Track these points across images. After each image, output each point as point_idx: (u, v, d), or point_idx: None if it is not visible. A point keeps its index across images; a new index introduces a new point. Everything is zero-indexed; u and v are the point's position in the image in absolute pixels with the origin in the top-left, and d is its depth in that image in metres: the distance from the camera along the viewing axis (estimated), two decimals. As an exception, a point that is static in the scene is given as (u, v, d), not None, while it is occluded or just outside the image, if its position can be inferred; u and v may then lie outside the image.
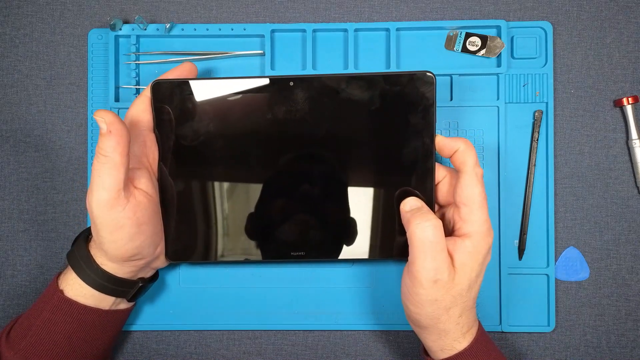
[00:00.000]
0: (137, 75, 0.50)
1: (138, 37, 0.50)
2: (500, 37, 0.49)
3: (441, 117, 0.49)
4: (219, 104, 0.43)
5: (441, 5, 0.51)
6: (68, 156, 0.51)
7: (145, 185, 0.42)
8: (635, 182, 0.50)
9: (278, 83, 0.43)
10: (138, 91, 0.50)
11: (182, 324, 0.50)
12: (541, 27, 0.50)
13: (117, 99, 0.50)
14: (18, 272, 0.51)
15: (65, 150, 0.51)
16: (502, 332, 0.50)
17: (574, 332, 0.50)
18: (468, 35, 0.49)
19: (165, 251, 0.45)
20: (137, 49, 0.50)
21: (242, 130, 0.44)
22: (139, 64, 0.50)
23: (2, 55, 0.51)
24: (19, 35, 0.51)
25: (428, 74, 0.42)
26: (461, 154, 0.41)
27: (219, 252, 0.46)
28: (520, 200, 0.49)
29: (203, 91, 0.43)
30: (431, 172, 0.43)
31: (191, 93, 0.43)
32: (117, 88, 0.50)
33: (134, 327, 0.50)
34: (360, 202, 0.45)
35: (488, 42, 0.49)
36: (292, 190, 0.45)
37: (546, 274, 0.49)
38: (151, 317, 0.50)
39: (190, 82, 0.43)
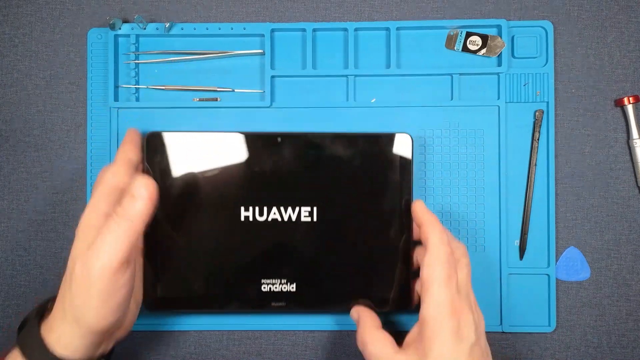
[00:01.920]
0: (137, 74, 0.50)
1: (137, 36, 0.50)
2: (500, 37, 0.49)
3: (441, 117, 0.49)
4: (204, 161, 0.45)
5: (442, 4, 0.51)
6: (67, 156, 0.51)
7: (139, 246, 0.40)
8: (636, 181, 0.50)
9: (265, 139, 0.45)
10: (137, 91, 0.50)
11: (181, 324, 0.50)
12: (542, 27, 0.50)
13: (116, 99, 0.50)
14: (17, 272, 0.51)
15: (64, 150, 0.51)
16: (503, 332, 0.49)
17: (575, 332, 0.50)
18: (468, 35, 0.49)
19: (144, 301, 0.45)
20: (137, 49, 0.50)
21: (225, 182, 0.45)
22: (138, 63, 0.50)
23: (1, 55, 0.51)
24: (18, 34, 0.51)
25: (405, 135, 0.45)
26: (424, 229, 0.41)
27: (199, 302, 0.46)
28: (521, 200, 0.49)
29: (188, 144, 0.45)
30: (408, 230, 0.45)
31: (181, 144, 0.45)
32: (116, 87, 0.50)
33: (134, 327, 0.50)
34: (341, 253, 0.46)
35: (489, 41, 0.49)
36: (272, 242, 0.46)
37: (547, 274, 0.49)
38: (151, 317, 0.50)
39: (183, 134, 0.45)
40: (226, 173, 0.45)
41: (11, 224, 0.51)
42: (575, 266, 0.50)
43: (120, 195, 0.38)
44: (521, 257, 0.49)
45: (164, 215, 0.45)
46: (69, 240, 0.50)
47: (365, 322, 0.43)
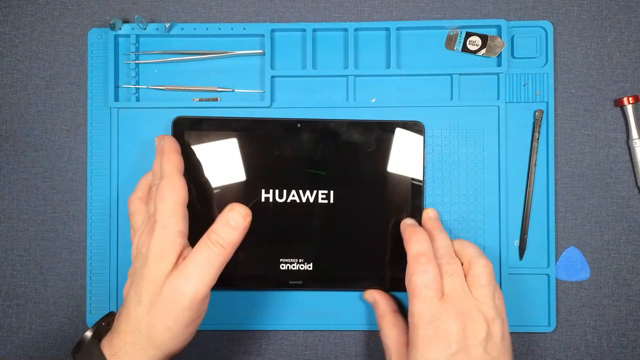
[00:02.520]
0: (137, 74, 0.50)
1: (138, 36, 0.50)
2: (500, 37, 0.49)
3: (441, 117, 0.49)
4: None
5: (441, 4, 0.51)
6: (68, 156, 0.51)
7: None
8: (636, 181, 0.50)
9: (285, 124, 0.48)
10: (138, 91, 0.50)
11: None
12: (541, 27, 0.50)
13: (116, 99, 0.50)
14: (18, 272, 0.51)
15: (64, 150, 0.51)
16: (503, 332, 0.49)
17: (575, 332, 0.50)
18: (468, 35, 0.49)
19: None
20: (137, 49, 0.50)
21: (247, 165, 0.48)
22: (138, 63, 0.50)
23: (1, 55, 0.51)
24: (19, 34, 0.51)
25: (418, 122, 0.48)
26: (405, 241, 0.43)
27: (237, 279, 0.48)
28: (521, 200, 0.49)
29: (212, 128, 0.48)
30: (420, 210, 0.48)
31: (205, 128, 0.48)
32: (116, 88, 0.50)
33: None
34: (356, 234, 0.48)
35: (488, 41, 0.49)
36: (290, 223, 0.48)
37: (547, 274, 0.49)
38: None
39: (208, 118, 0.48)
40: (248, 157, 0.48)
41: (11, 224, 0.51)
42: (575, 266, 0.50)
43: (186, 210, 0.39)
44: (521, 257, 0.49)
45: (192, 196, 0.46)
46: (69, 240, 0.50)
47: (382, 306, 0.45)
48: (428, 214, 0.47)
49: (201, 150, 0.48)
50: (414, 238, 0.43)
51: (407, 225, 0.45)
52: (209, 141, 0.48)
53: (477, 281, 0.41)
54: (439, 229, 0.45)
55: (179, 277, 0.36)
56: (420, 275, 0.40)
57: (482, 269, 0.41)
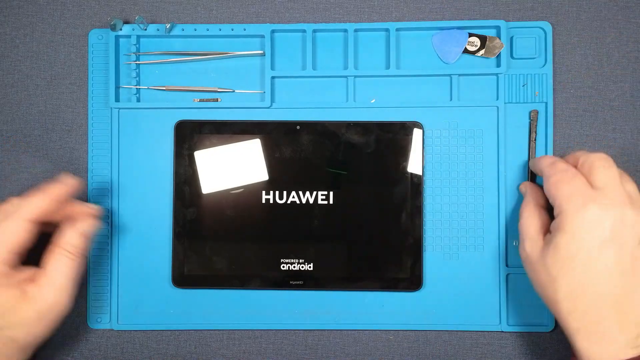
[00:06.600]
0: (138, 75, 0.50)
1: (138, 37, 0.50)
2: (499, 37, 0.49)
3: (440, 118, 0.50)
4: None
5: (440, 5, 0.51)
6: (68, 156, 0.51)
7: None
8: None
9: (285, 126, 0.49)
10: (138, 91, 0.50)
11: (182, 323, 0.50)
12: (540, 27, 0.50)
13: (117, 99, 0.50)
14: (18, 272, 0.51)
15: (65, 150, 0.51)
16: (502, 331, 0.50)
17: (574, 332, 0.50)
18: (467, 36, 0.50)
19: (173, 278, 0.49)
20: (138, 49, 0.50)
21: (247, 167, 0.49)
22: (139, 64, 0.50)
23: (2, 55, 0.51)
24: (20, 35, 0.51)
25: (418, 123, 0.48)
26: (541, 175, 0.43)
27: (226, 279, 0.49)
28: (521, 200, 0.49)
29: (213, 131, 0.49)
30: (420, 210, 0.48)
31: (206, 131, 0.49)
32: (117, 88, 0.50)
33: (134, 327, 0.50)
34: (355, 235, 0.49)
35: (487, 42, 0.49)
36: (291, 224, 0.49)
37: (546, 274, 0.49)
38: (151, 317, 0.50)
39: (207, 122, 0.49)
40: (248, 158, 0.48)
41: (12, 224, 0.51)
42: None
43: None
44: None
45: (192, 199, 0.48)
46: (70, 240, 0.50)
47: (530, 198, 0.45)
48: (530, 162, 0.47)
49: (203, 154, 0.48)
50: (545, 157, 0.43)
51: (536, 158, 0.46)
52: (210, 145, 0.48)
53: (624, 177, 0.40)
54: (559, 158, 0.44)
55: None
56: (560, 173, 0.40)
57: (600, 164, 0.39)
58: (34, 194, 0.43)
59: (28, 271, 0.42)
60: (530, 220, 0.43)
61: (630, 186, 0.40)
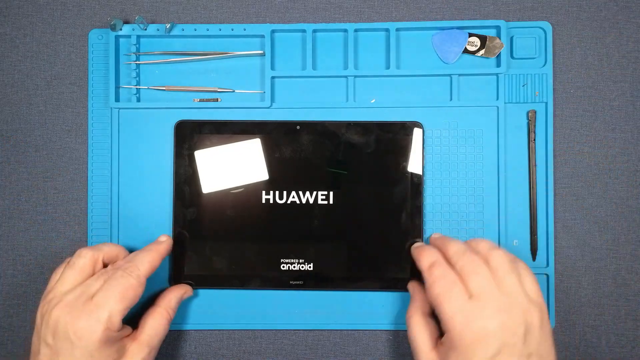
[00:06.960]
0: (138, 75, 0.50)
1: (138, 37, 0.50)
2: (499, 37, 0.49)
3: (440, 118, 0.50)
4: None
5: (440, 5, 0.51)
6: (68, 156, 0.51)
7: None
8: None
9: (285, 126, 0.49)
10: (138, 91, 0.50)
11: (182, 323, 0.50)
12: (540, 27, 0.50)
13: (117, 99, 0.50)
14: (18, 272, 0.51)
15: (65, 150, 0.51)
16: (502, 331, 0.50)
17: (574, 331, 0.50)
18: (467, 36, 0.50)
19: (172, 279, 0.49)
20: (138, 49, 0.50)
21: (247, 167, 0.49)
22: (139, 64, 0.50)
23: (2, 55, 0.51)
24: (20, 35, 0.51)
25: (418, 123, 0.48)
26: (417, 263, 0.44)
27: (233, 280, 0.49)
28: (520, 200, 0.49)
29: (213, 131, 0.49)
30: (420, 210, 0.48)
31: (206, 132, 0.49)
32: (117, 88, 0.50)
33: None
34: (355, 235, 0.49)
35: (487, 42, 0.49)
36: (291, 224, 0.49)
37: (546, 274, 0.49)
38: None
39: (207, 122, 0.49)
40: (248, 158, 0.48)
41: (12, 224, 0.51)
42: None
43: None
44: (534, 257, 0.49)
45: (192, 199, 0.48)
46: (70, 240, 0.50)
47: (417, 305, 0.44)
48: (433, 236, 0.47)
49: (203, 154, 0.48)
50: (423, 253, 0.43)
51: (415, 247, 0.46)
52: (210, 145, 0.48)
53: (498, 273, 0.39)
54: (447, 239, 0.44)
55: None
56: (439, 281, 0.39)
57: (498, 259, 0.40)
58: (144, 253, 0.44)
59: (126, 328, 0.43)
60: (421, 335, 0.42)
61: (510, 279, 0.39)
